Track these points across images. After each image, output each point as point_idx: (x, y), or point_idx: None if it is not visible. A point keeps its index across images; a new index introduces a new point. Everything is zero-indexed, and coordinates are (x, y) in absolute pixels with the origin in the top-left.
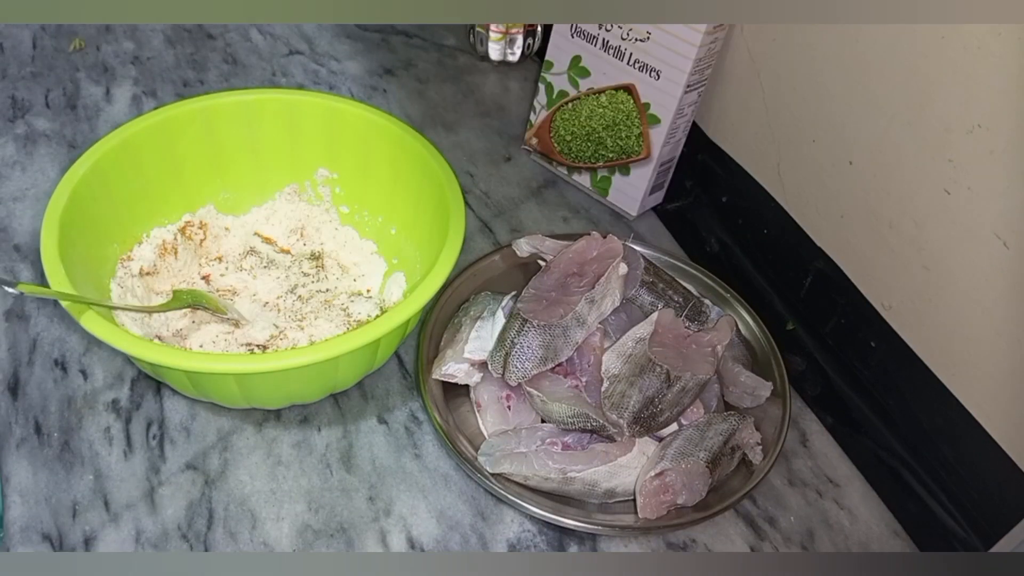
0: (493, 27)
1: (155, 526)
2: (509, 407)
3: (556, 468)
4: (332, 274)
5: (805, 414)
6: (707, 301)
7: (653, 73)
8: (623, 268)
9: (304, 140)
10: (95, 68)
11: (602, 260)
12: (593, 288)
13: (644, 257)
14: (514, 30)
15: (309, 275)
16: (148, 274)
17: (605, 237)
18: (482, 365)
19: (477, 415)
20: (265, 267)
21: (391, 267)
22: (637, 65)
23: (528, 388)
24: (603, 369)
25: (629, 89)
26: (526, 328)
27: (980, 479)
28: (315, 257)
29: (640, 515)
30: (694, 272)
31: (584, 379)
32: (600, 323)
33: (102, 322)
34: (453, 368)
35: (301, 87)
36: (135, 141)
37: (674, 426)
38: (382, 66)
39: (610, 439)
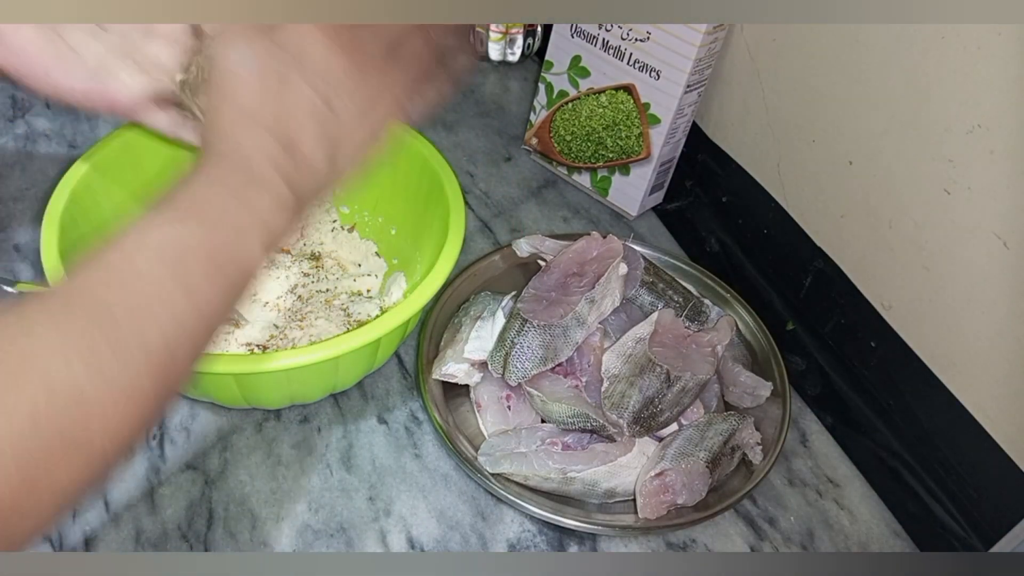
0: (493, 27)
1: (155, 526)
2: (509, 407)
3: (556, 468)
4: (332, 274)
5: (805, 414)
6: (707, 301)
7: (653, 73)
8: (623, 268)
9: None
10: None
11: (602, 260)
12: (593, 288)
13: (644, 257)
14: (514, 30)
15: (309, 275)
16: None
17: (605, 237)
18: (482, 365)
19: (477, 415)
20: (265, 267)
21: (391, 267)
22: (637, 65)
23: (528, 388)
24: (603, 369)
25: (629, 89)
26: (526, 328)
27: (980, 479)
28: (315, 257)
29: (640, 515)
30: (694, 272)
31: (584, 379)
32: (600, 323)
33: None
34: (453, 368)
35: None
36: (135, 141)
37: (674, 426)
38: None
39: (610, 439)
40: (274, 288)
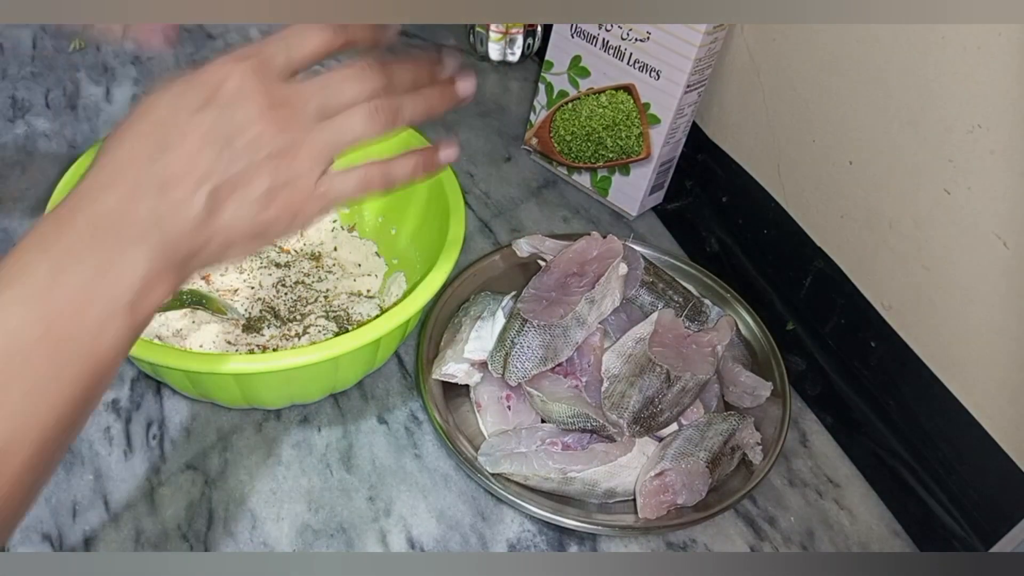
0: (493, 27)
1: (155, 526)
2: (509, 407)
3: (556, 468)
4: (332, 274)
5: (805, 414)
6: (707, 301)
7: (653, 73)
8: (623, 268)
9: None
10: (95, 68)
11: (602, 260)
12: (593, 288)
13: (644, 257)
14: (514, 30)
15: (309, 275)
16: None
17: (605, 237)
18: (482, 365)
19: (477, 415)
20: (265, 267)
21: (391, 267)
22: (637, 65)
23: (528, 388)
24: (603, 369)
25: (629, 89)
26: (526, 328)
27: (980, 479)
28: (315, 257)
29: (640, 515)
30: (694, 272)
31: (584, 379)
32: (600, 323)
33: None
34: (453, 368)
35: None
36: None
37: (674, 426)
38: None
39: (610, 439)
40: (274, 288)
